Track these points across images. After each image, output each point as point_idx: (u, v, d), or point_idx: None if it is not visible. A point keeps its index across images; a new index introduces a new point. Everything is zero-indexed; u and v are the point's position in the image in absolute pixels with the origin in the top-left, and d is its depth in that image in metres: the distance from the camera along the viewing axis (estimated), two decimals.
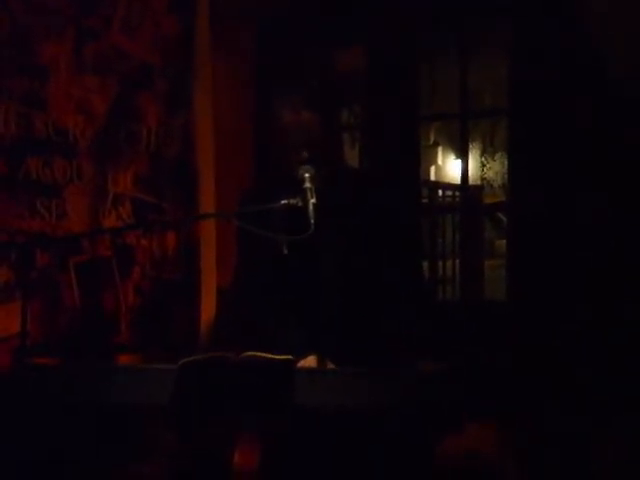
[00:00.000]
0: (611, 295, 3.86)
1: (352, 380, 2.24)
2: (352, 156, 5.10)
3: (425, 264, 5.72)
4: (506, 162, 4.71)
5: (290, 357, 2.23)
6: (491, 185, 12.35)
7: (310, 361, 2.49)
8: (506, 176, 4.70)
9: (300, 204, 2.42)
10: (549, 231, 4.07)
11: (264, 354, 2.20)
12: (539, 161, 4.12)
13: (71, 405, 2.31)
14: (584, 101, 3.94)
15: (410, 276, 2.82)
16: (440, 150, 16.10)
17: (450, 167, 15.55)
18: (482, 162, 13.15)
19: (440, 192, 6.64)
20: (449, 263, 6.39)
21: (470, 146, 5.16)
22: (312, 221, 2.38)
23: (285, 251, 2.43)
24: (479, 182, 11.92)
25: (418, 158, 4.85)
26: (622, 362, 3.70)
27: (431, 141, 15.30)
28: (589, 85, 3.93)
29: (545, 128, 4.09)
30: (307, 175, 2.46)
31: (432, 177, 14.58)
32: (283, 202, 2.45)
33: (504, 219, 6.50)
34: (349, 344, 2.55)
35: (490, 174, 12.67)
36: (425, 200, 6.06)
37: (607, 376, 3.70)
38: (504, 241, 5.17)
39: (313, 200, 2.42)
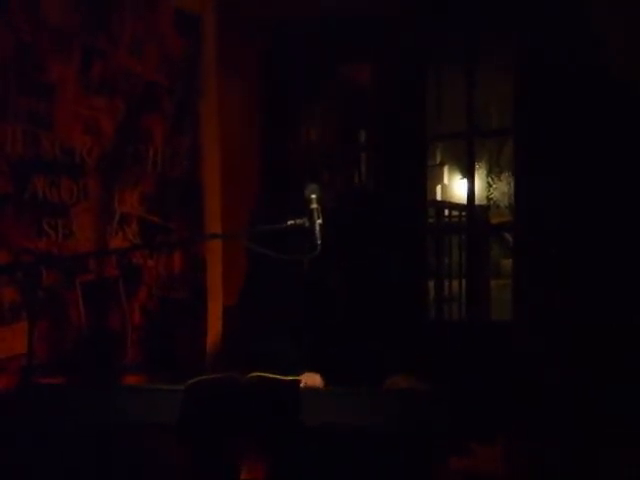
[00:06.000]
0: (620, 315, 3.85)
1: (356, 400, 2.24)
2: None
3: (431, 283, 5.71)
4: (512, 182, 4.70)
5: (296, 378, 2.22)
6: (497, 205, 12.36)
7: (313, 378, 2.49)
8: (512, 196, 4.69)
9: (307, 225, 2.43)
10: (556, 251, 4.06)
11: (271, 375, 2.20)
12: (546, 181, 4.11)
13: (77, 425, 2.30)
14: (592, 121, 3.94)
15: (414, 295, 2.82)
16: (446, 170, 16.10)
17: (456, 187, 15.54)
18: (488, 182, 13.17)
19: (446, 212, 6.64)
20: (455, 283, 6.38)
21: (477, 166, 5.16)
22: (318, 242, 2.38)
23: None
24: (485, 202, 11.93)
25: (425, 178, 4.85)
26: (633, 382, 3.68)
27: (437, 160, 15.30)
28: (597, 104, 3.93)
29: (552, 148, 4.08)
30: (313, 196, 2.46)
31: (438, 197, 14.57)
32: (290, 223, 2.46)
33: (510, 239, 6.50)
34: (350, 362, 2.55)
35: (496, 194, 12.68)
36: (431, 220, 6.06)
37: (614, 395, 3.68)
38: (510, 261, 5.16)
39: (319, 221, 2.42)
